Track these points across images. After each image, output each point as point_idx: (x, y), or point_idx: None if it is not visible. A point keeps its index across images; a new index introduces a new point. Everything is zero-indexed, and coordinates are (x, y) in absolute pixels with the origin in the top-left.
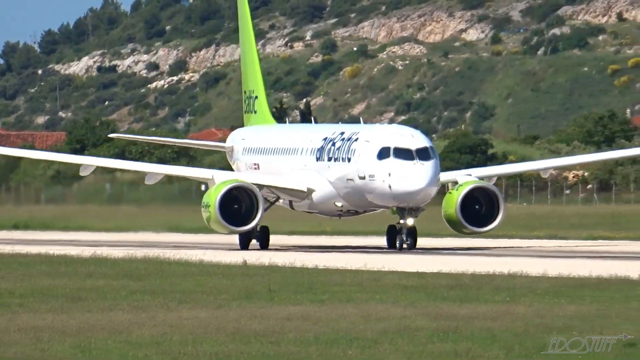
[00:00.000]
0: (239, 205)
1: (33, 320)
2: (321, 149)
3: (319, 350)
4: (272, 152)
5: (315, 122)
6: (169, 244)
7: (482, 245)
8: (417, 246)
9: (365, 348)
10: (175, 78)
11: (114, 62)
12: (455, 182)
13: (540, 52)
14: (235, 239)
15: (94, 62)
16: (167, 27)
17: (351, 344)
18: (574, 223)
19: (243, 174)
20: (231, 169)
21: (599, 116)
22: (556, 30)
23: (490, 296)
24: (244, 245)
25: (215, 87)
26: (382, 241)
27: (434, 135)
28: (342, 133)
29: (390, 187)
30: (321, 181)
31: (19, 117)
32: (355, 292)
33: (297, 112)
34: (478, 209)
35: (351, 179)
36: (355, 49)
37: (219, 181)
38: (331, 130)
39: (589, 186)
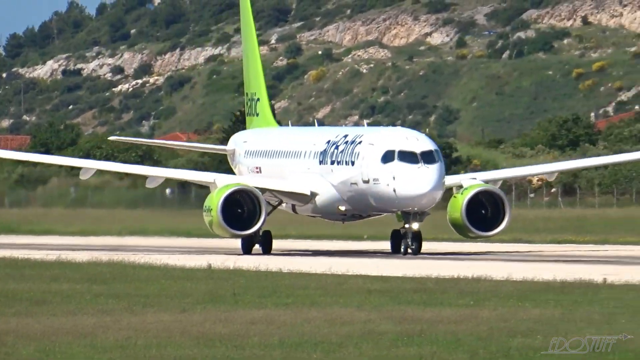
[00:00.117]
0: (241, 209)
1: None
2: (324, 152)
3: (284, 354)
4: (274, 155)
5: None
6: (134, 248)
7: (451, 250)
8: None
9: (330, 352)
10: (140, 81)
11: (78, 66)
12: (460, 186)
13: (505, 55)
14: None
15: (59, 65)
16: (132, 31)
17: (315, 348)
18: (538, 227)
19: (245, 178)
20: (233, 172)
21: (563, 120)
22: (521, 34)
23: (454, 300)
24: (247, 250)
25: (180, 91)
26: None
27: None
28: (346, 136)
29: (394, 191)
30: (324, 185)
31: None
32: (320, 295)
33: None
34: (484, 213)
35: (355, 183)
36: (320, 52)
37: (221, 185)
38: (335, 133)
39: (553, 190)
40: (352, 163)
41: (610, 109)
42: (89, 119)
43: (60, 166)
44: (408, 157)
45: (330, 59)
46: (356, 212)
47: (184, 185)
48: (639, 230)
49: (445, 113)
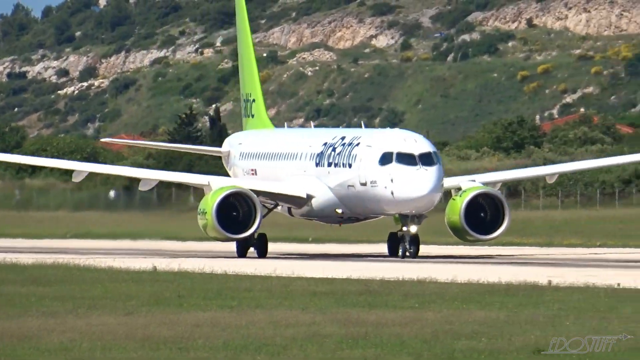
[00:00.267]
0: (236, 212)
1: None
2: (321, 154)
3: (228, 357)
4: (270, 157)
5: (225, 128)
6: (78, 250)
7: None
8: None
9: (275, 354)
10: (85, 84)
11: (24, 68)
12: (459, 188)
13: (449, 58)
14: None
15: (4, 68)
16: (77, 33)
17: (260, 350)
18: None
19: (240, 180)
20: (227, 175)
21: (508, 122)
22: (466, 37)
23: (399, 302)
24: (242, 253)
25: (125, 93)
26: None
27: None
28: (343, 138)
29: (392, 193)
30: (321, 187)
31: None
32: (265, 298)
33: (206, 119)
34: (483, 216)
35: (352, 185)
36: (265, 55)
37: (216, 187)
38: (331, 134)
39: None
40: (350, 165)
41: (555, 111)
42: (34, 122)
43: (5, 169)
44: (406, 159)
45: (276, 62)
46: (353, 214)
47: (128, 187)
48: (584, 232)
49: (391, 115)
